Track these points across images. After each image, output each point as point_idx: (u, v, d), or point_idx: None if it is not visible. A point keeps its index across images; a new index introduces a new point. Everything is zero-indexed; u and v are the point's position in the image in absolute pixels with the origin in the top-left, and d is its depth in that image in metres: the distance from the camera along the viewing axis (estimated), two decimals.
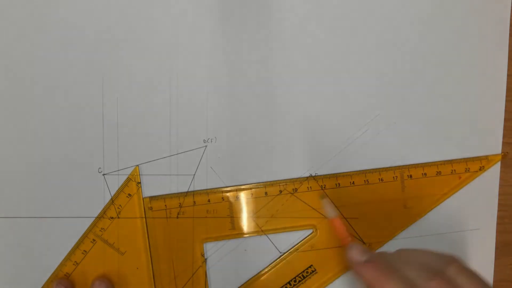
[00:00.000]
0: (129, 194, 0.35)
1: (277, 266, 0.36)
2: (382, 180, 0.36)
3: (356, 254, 0.30)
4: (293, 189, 0.36)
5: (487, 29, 0.37)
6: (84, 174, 0.35)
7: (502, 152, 0.37)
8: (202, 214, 0.35)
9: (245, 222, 0.36)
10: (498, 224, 0.38)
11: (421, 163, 0.36)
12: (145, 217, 0.35)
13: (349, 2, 0.36)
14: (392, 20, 0.36)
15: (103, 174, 0.35)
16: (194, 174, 0.35)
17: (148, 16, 0.34)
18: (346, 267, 0.36)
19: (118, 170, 0.35)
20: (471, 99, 0.37)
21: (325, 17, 0.35)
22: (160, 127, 0.35)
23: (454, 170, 0.36)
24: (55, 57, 0.34)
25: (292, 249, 0.36)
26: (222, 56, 0.35)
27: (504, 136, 0.37)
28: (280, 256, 0.36)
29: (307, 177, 0.36)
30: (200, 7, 0.35)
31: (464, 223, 0.37)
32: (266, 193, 0.36)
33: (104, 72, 0.34)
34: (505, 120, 0.37)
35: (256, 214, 0.36)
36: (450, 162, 0.36)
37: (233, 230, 0.36)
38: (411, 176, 0.36)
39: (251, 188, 0.35)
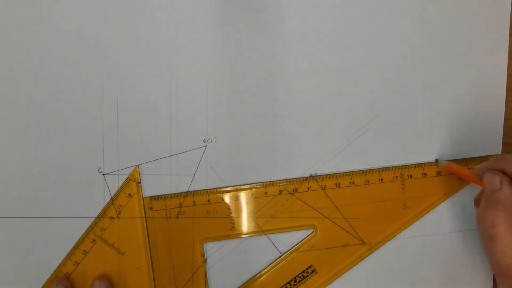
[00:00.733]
0: (129, 194, 0.35)
1: (277, 266, 0.36)
2: (382, 180, 0.36)
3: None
4: (293, 189, 0.36)
5: (487, 29, 0.37)
6: (84, 174, 0.35)
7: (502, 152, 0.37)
8: (202, 214, 0.35)
9: (245, 222, 0.36)
10: None
11: (421, 163, 0.36)
12: (145, 217, 0.35)
13: (349, 2, 0.36)
14: (392, 21, 0.36)
15: (103, 174, 0.35)
16: (194, 174, 0.35)
17: (148, 16, 0.34)
18: (346, 267, 0.36)
19: (118, 170, 0.35)
20: (471, 99, 0.37)
21: (325, 17, 0.35)
22: (160, 127, 0.35)
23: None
24: (55, 57, 0.34)
25: (292, 249, 0.36)
26: (222, 56, 0.35)
27: (504, 136, 0.37)
28: (280, 256, 0.36)
29: (307, 177, 0.36)
30: (200, 7, 0.35)
31: (464, 223, 0.37)
32: (266, 193, 0.35)
33: (104, 72, 0.34)
34: (505, 120, 0.37)
35: (256, 214, 0.36)
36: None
37: (233, 230, 0.36)
38: (411, 176, 0.36)
39: (251, 188, 0.35)
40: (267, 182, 0.36)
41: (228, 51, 0.35)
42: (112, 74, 0.34)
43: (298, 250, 0.36)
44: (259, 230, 0.36)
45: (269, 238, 0.36)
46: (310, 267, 0.36)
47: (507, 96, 0.37)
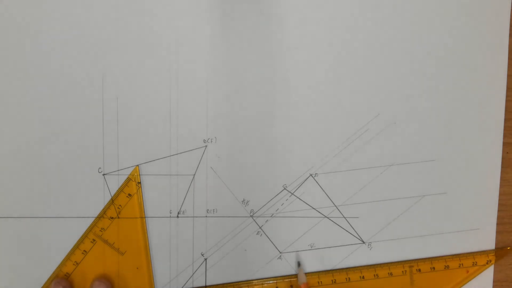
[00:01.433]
0: (129, 194, 0.35)
1: None
2: (391, 274, 0.36)
3: None
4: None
5: (487, 29, 0.37)
6: (84, 174, 0.35)
7: (503, 245, 0.38)
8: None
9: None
10: (498, 224, 0.38)
11: (429, 258, 0.37)
12: (145, 217, 0.35)
13: (350, 2, 0.35)
14: (392, 21, 0.36)
15: (103, 174, 0.35)
16: (194, 174, 0.35)
17: (149, 16, 0.34)
18: None
19: (118, 170, 0.35)
20: (471, 99, 0.37)
21: (325, 17, 0.35)
22: (160, 127, 0.35)
23: (462, 264, 0.37)
24: (55, 56, 0.34)
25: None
26: (222, 56, 0.35)
27: (504, 136, 0.37)
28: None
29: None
30: (200, 7, 0.35)
31: (464, 223, 0.37)
32: None
33: (104, 72, 0.34)
34: (505, 120, 0.37)
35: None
36: (458, 256, 0.37)
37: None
38: (419, 270, 0.37)
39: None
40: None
41: (228, 51, 0.35)
42: (112, 74, 0.34)
43: None
44: (259, 230, 0.36)
45: (269, 238, 0.36)
46: None
47: (507, 96, 0.37)
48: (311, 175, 0.36)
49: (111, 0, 0.34)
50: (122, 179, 0.35)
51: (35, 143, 0.34)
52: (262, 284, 0.36)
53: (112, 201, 0.35)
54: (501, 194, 0.38)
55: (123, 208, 0.35)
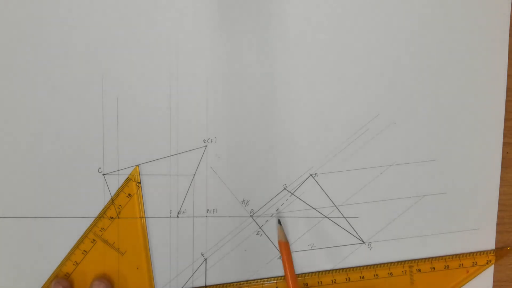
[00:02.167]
0: (129, 194, 0.35)
1: None
2: (391, 274, 0.36)
3: None
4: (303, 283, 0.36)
5: (487, 29, 0.37)
6: (84, 174, 0.35)
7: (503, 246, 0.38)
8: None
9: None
10: (498, 224, 0.38)
11: (429, 258, 0.37)
12: (145, 217, 0.35)
13: (350, 2, 0.35)
14: (392, 20, 0.36)
15: (103, 174, 0.35)
16: (194, 174, 0.35)
17: (148, 15, 0.34)
18: None
19: (118, 170, 0.35)
20: (471, 99, 0.37)
21: (325, 17, 0.35)
22: (160, 127, 0.35)
23: (462, 264, 0.37)
24: (55, 56, 0.34)
25: None
26: (222, 56, 0.35)
27: (504, 136, 0.37)
28: None
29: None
30: (200, 7, 0.35)
31: (464, 223, 0.37)
32: None
33: (104, 72, 0.34)
34: (505, 120, 0.37)
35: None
36: (458, 256, 0.37)
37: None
38: (419, 270, 0.37)
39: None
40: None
41: (228, 51, 0.35)
42: (112, 74, 0.34)
43: None
44: (260, 230, 0.36)
45: (269, 238, 0.36)
46: None
47: (507, 96, 0.37)
48: (311, 175, 0.36)
49: (111, 0, 0.34)
50: (122, 179, 0.35)
51: (35, 143, 0.34)
52: (262, 284, 0.36)
53: (112, 201, 0.35)
54: (501, 194, 0.38)
55: (123, 208, 0.35)
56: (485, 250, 0.38)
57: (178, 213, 0.35)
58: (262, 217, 0.36)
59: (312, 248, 0.36)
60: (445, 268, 0.37)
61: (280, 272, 0.36)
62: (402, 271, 0.37)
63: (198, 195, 0.35)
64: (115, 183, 0.35)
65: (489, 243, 0.38)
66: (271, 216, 0.36)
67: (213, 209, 0.36)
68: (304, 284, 0.36)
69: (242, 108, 0.35)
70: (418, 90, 0.36)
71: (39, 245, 0.35)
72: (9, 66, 0.34)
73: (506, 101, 0.37)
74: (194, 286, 0.36)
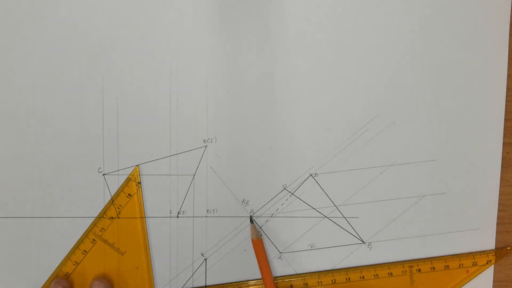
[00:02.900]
0: (129, 194, 0.35)
1: None
2: (391, 274, 0.36)
3: None
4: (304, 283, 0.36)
5: (487, 29, 0.37)
6: (84, 174, 0.35)
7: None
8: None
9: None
10: (498, 224, 0.38)
11: (429, 258, 0.37)
12: (145, 217, 0.35)
13: (350, 2, 0.35)
14: (392, 20, 0.36)
15: (103, 174, 0.35)
16: (194, 174, 0.35)
17: (148, 15, 0.34)
18: None
19: (118, 170, 0.35)
20: (471, 99, 0.37)
21: (325, 17, 0.35)
22: (160, 127, 0.35)
23: (462, 264, 0.37)
24: (55, 57, 0.34)
25: None
26: (222, 56, 0.35)
27: (504, 136, 0.37)
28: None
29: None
30: (200, 7, 0.35)
31: (464, 223, 0.37)
32: None
33: (104, 72, 0.34)
34: (505, 120, 0.37)
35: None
36: (458, 256, 0.37)
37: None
38: (419, 270, 0.37)
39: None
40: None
41: (228, 51, 0.35)
42: (112, 74, 0.34)
43: None
44: (260, 230, 0.36)
45: (269, 238, 0.36)
46: None
47: (507, 96, 0.37)
48: (311, 175, 0.36)
49: (111, 0, 0.34)
50: (122, 179, 0.35)
51: (35, 143, 0.34)
52: (262, 284, 0.36)
53: (112, 201, 0.35)
54: (501, 194, 0.38)
55: (123, 208, 0.35)
56: (485, 250, 0.38)
57: (178, 213, 0.35)
58: (262, 217, 0.36)
59: (312, 248, 0.36)
60: (445, 268, 0.37)
61: (280, 272, 0.36)
62: (402, 271, 0.37)
63: (198, 195, 0.35)
64: (115, 183, 0.35)
65: (489, 243, 0.38)
66: (271, 216, 0.36)
67: (213, 209, 0.36)
68: (304, 284, 0.36)
69: (242, 108, 0.35)
70: (418, 90, 0.36)
71: (39, 245, 0.35)
72: (9, 66, 0.34)
73: (506, 101, 0.37)
74: (194, 286, 0.36)
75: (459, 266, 0.37)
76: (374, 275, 0.37)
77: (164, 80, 0.35)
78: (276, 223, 0.36)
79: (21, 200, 0.35)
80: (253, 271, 0.36)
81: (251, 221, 0.35)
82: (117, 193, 0.35)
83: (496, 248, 0.38)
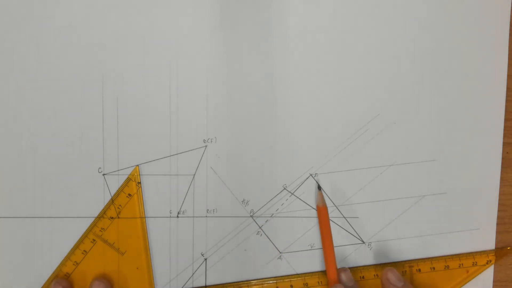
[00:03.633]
0: (129, 194, 0.35)
1: None
2: None
3: (394, 278, 0.34)
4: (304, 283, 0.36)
5: (487, 29, 0.37)
6: (84, 174, 0.35)
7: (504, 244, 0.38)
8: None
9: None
10: (498, 224, 0.38)
11: (429, 258, 0.37)
12: (145, 217, 0.35)
13: (350, 2, 0.35)
14: (392, 21, 0.36)
15: (103, 174, 0.35)
16: (194, 174, 0.35)
17: (148, 15, 0.34)
18: None
19: (118, 170, 0.35)
20: (471, 99, 0.37)
21: (325, 17, 0.35)
22: (160, 127, 0.35)
23: (462, 264, 0.37)
24: (55, 56, 0.34)
25: None
26: (222, 56, 0.35)
27: (504, 136, 0.37)
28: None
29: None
30: (200, 7, 0.35)
31: (464, 223, 0.37)
32: None
33: (104, 72, 0.34)
34: (505, 120, 0.37)
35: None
36: (458, 256, 0.37)
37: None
38: (419, 270, 0.37)
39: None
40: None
41: (228, 51, 0.35)
42: (112, 74, 0.34)
43: None
44: (259, 230, 0.36)
45: (269, 238, 0.36)
46: None
47: (507, 96, 0.37)
48: (311, 175, 0.36)
49: (111, 0, 0.34)
50: (122, 179, 0.35)
51: (35, 143, 0.34)
52: (262, 284, 0.36)
53: (112, 201, 0.35)
54: (501, 194, 0.38)
55: (123, 208, 0.35)
56: (485, 250, 0.38)
57: (178, 213, 0.35)
58: (262, 217, 0.36)
59: (312, 248, 0.36)
60: (445, 268, 0.37)
61: (279, 272, 0.36)
62: (402, 271, 0.37)
63: (198, 195, 0.35)
64: (115, 183, 0.35)
65: (489, 243, 0.38)
66: (271, 216, 0.36)
67: (213, 209, 0.36)
68: (304, 284, 0.36)
69: (242, 108, 0.35)
70: (418, 90, 0.36)
71: (39, 245, 0.35)
72: (9, 66, 0.34)
73: (506, 101, 0.37)
74: (194, 286, 0.36)
75: (459, 266, 0.37)
76: (374, 275, 0.37)
77: (164, 80, 0.35)
78: (276, 223, 0.36)
79: (21, 200, 0.35)
80: (253, 271, 0.36)
81: (319, 188, 0.35)
82: (117, 193, 0.35)
83: (496, 248, 0.38)
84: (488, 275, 0.38)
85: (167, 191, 0.35)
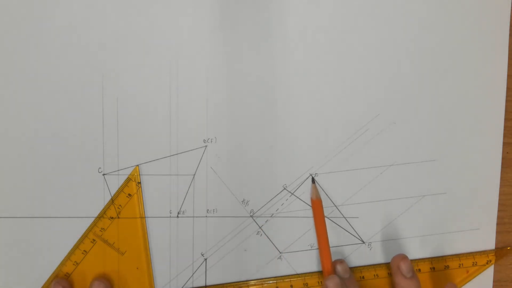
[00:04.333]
0: (129, 194, 0.35)
1: None
2: (391, 274, 0.36)
3: (405, 268, 0.33)
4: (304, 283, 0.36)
5: (487, 29, 0.37)
6: (84, 174, 0.35)
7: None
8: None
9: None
10: (498, 224, 0.38)
11: (429, 258, 0.37)
12: (145, 217, 0.35)
13: (350, 2, 0.35)
14: (392, 21, 0.36)
15: (103, 174, 0.35)
16: (194, 174, 0.35)
17: (148, 15, 0.34)
18: None
19: (118, 170, 0.35)
20: (471, 99, 0.37)
21: (325, 17, 0.35)
22: (160, 127, 0.35)
23: (462, 264, 0.37)
24: (55, 57, 0.34)
25: None
26: (222, 56, 0.35)
27: (504, 136, 0.37)
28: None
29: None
30: (200, 7, 0.35)
31: (464, 223, 0.37)
32: None
33: (104, 72, 0.34)
34: (505, 120, 0.37)
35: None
36: (458, 256, 0.37)
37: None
38: (419, 270, 0.37)
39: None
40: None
41: (228, 51, 0.35)
42: (112, 74, 0.34)
43: None
44: (259, 230, 0.36)
45: (269, 238, 0.36)
46: None
47: (507, 96, 0.37)
48: (311, 175, 0.36)
49: (111, 0, 0.34)
50: (122, 179, 0.35)
51: (35, 143, 0.34)
52: (262, 284, 0.36)
53: (112, 201, 0.35)
54: (501, 194, 0.38)
55: (123, 208, 0.35)
56: (485, 250, 0.38)
57: (178, 213, 0.35)
58: (262, 217, 0.36)
59: (312, 248, 0.36)
60: (445, 268, 0.37)
61: (279, 272, 0.36)
62: (388, 273, 0.37)
63: (198, 195, 0.35)
64: (115, 183, 0.35)
65: (489, 243, 0.38)
66: (271, 216, 0.36)
67: (213, 209, 0.36)
68: (304, 284, 0.36)
69: (242, 108, 0.35)
70: (418, 90, 0.36)
71: (39, 245, 0.35)
72: (9, 66, 0.34)
73: (506, 101, 0.37)
74: (194, 286, 0.36)
75: (459, 266, 0.37)
76: (374, 275, 0.37)
77: (164, 80, 0.35)
78: (276, 223, 0.36)
79: (21, 200, 0.35)
80: (253, 271, 0.36)
81: (313, 181, 0.35)
82: (117, 193, 0.35)
83: (496, 248, 0.38)
84: (488, 275, 0.38)
85: (167, 191, 0.35)
